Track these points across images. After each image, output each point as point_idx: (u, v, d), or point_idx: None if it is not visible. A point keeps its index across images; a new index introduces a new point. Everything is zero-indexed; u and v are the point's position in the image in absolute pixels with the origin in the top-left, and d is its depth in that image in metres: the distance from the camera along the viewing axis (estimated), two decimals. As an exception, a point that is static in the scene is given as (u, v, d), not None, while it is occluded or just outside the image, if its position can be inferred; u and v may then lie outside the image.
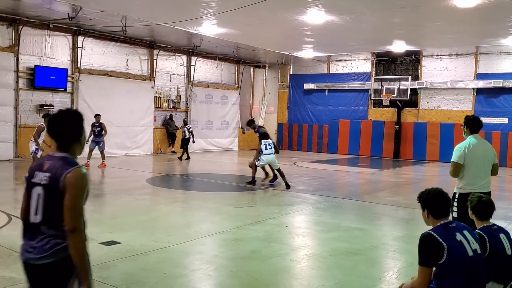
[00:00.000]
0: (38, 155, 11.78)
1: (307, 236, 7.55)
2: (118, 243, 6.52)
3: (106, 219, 8.23)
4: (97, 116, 15.78)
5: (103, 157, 15.58)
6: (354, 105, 24.44)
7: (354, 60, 24.27)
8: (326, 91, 25.13)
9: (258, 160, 12.30)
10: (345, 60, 24.52)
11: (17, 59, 16.42)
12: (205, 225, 8.17)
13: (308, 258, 6.29)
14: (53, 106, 17.52)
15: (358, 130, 23.68)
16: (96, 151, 15.50)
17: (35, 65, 16.82)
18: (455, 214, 5.26)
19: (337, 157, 22.59)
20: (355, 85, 24.19)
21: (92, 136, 15.41)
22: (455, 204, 5.31)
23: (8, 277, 5.11)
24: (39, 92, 17.09)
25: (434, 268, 3.42)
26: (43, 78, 16.98)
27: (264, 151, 12.22)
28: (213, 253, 6.41)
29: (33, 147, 12.04)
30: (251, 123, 14.36)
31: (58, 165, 2.74)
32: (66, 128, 2.83)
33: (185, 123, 20.07)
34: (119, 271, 5.42)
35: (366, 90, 23.89)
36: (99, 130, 15.42)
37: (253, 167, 12.41)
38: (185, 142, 19.29)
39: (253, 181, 12.26)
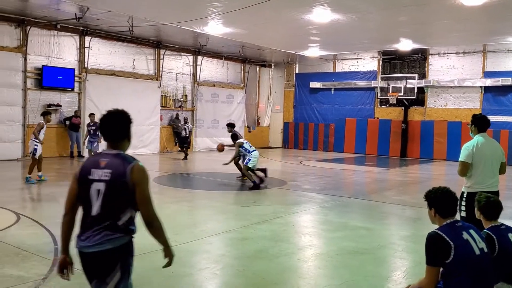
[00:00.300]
0: (37, 155, 11.56)
1: (313, 235, 7.55)
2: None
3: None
4: (91, 115, 15.67)
5: None
6: (360, 104, 24.37)
7: (361, 58, 24.21)
8: (332, 89, 25.08)
9: (248, 161, 12.09)
10: (351, 59, 24.45)
11: (25, 59, 16.53)
12: (211, 224, 8.19)
13: (315, 258, 6.29)
14: (61, 105, 17.63)
15: (365, 128, 23.61)
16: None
17: (42, 65, 16.93)
18: (463, 214, 5.23)
19: (344, 156, 22.55)
20: (362, 83, 24.13)
21: (88, 136, 15.27)
22: (463, 203, 5.29)
23: (17, 275, 5.15)
24: (46, 92, 17.19)
25: (441, 269, 3.41)
26: (51, 78, 17.09)
27: (250, 149, 12.21)
28: (220, 252, 6.42)
29: (32, 146, 11.72)
30: (232, 126, 13.94)
31: (117, 162, 2.94)
32: (117, 127, 3.06)
33: (185, 121, 20.06)
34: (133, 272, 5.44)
35: (373, 89, 23.83)
36: (94, 130, 15.10)
37: (245, 171, 12.16)
38: (183, 141, 19.29)
39: (256, 186, 11.82)
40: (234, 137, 12.87)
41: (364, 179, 15.43)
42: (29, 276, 5.14)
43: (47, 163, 15.39)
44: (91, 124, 15.36)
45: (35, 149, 11.57)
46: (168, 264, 3.19)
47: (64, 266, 3.12)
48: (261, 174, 12.43)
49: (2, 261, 5.57)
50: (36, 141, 11.62)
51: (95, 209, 2.92)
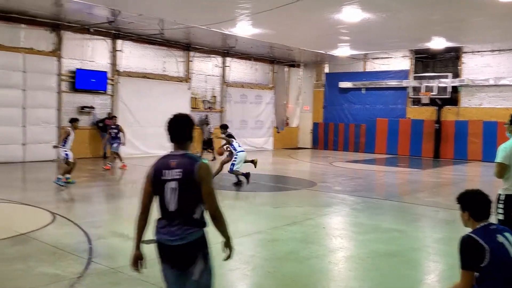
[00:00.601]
0: (70, 159, 11.49)
1: (344, 237, 7.47)
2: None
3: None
4: (113, 118, 15.87)
5: (120, 159, 15.36)
6: (392, 104, 24.01)
7: (392, 57, 23.85)
8: (363, 89, 24.79)
9: (234, 162, 12.20)
10: (382, 58, 24.11)
11: (60, 62, 16.97)
12: (241, 225, 8.20)
13: (345, 260, 6.23)
14: (94, 108, 18.01)
15: (396, 129, 23.25)
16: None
17: (76, 68, 17.34)
18: (500, 217, 5.07)
19: (375, 157, 22.25)
20: (393, 83, 23.75)
21: (110, 138, 15.27)
22: (500, 206, 5.12)
23: (53, 274, 5.28)
24: (80, 94, 17.60)
25: (476, 274, 3.32)
26: (84, 80, 17.49)
27: (238, 148, 12.22)
28: (250, 253, 6.43)
29: (63, 153, 11.60)
30: (225, 127, 13.67)
31: (186, 162, 3.25)
32: (184, 130, 3.39)
33: (206, 123, 19.75)
34: (159, 270, 5.50)
35: (404, 88, 23.43)
36: (115, 132, 15.13)
37: (231, 172, 12.35)
38: (207, 144, 19.03)
39: (245, 176, 12.20)
40: (230, 137, 12.97)
41: (396, 181, 15.20)
42: (65, 274, 5.27)
43: (81, 164, 15.75)
44: (113, 126, 15.37)
45: (67, 155, 11.51)
46: (228, 256, 3.42)
47: (139, 259, 3.43)
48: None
49: (39, 260, 5.73)
50: (64, 149, 11.55)
51: (173, 205, 3.23)
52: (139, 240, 3.43)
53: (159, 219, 3.33)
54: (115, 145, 15.07)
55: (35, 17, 15.98)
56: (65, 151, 11.51)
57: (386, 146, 23.59)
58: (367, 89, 24.64)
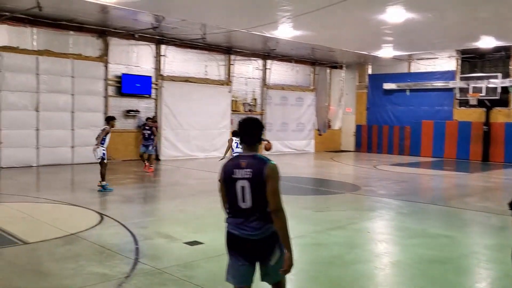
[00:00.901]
0: (106, 160, 11.31)
1: (390, 242, 7.31)
2: (202, 243, 6.70)
3: (189, 219, 8.49)
4: (148, 119, 15.89)
5: (151, 162, 15.21)
6: (438, 105, 23.35)
7: (437, 58, 23.20)
8: (408, 90, 24.24)
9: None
10: (428, 59, 23.50)
11: (106, 68, 17.49)
12: (284, 228, 8.17)
13: (392, 265, 6.09)
14: (139, 111, 18.45)
15: (443, 131, 22.58)
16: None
17: (122, 73, 17.82)
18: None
19: (420, 160, 21.71)
20: (439, 84, 23.10)
21: (142, 140, 15.23)
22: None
23: (102, 273, 5.42)
24: (126, 98, 18.07)
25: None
26: (130, 85, 17.95)
27: (235, 149, 11.68)
28: (293, 257, 6.38)
29: (99, 153, 11.28)
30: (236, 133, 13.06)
31: (255, 162, 3.49)
32: (254, 133, 3.64)
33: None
34: (203, 271, 5.57)
35: (451, 89, 22.74)
36: (149, 134, 15.16)
37: None
38: None
39: None
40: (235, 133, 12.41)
41: (442, 184, 14.76)
42: (113, 274, 5.40)
43: (126, 166, 16.16)
44: (147, 128, 15.36)
45: (104, 154, 11.29)
46: (286, 269, 3.44)
47: None
48: None
49: (88, 259, 5.90)
50: (103, 147, 11.30)
51: (247, 203, 3.47)
52: None
53: (232, 216, 3.57)
54: (150, 147, 15.09)
55: (83, 24, 16.54)
56: (104, 149, 11.28)
57: (432, 149, 22.96)
58: (412, 90, 24.07)
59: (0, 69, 15.00)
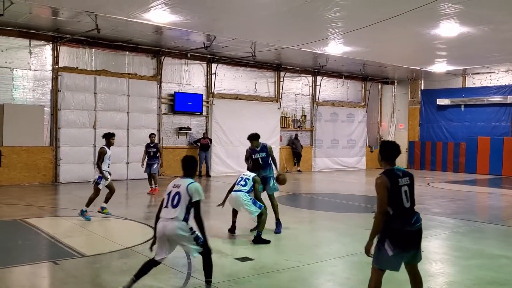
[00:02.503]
0: (100, 186, 9.68)
1: (445, 262, 7.07)
2: (252, 259, 6.73)
3: (240, 235, 8.53)
4: (152, 135, 14.14)
5: (155, 182, 13.74)
6: (494, 121, 22.46)
7: (494, 72, 22.40)
8: (462, 106, 23.49)
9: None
10: (483, 73, 22.74)
11: (160, 86, 18.07)
12: (335, 246, 8.08)
13: (448, 286, 5.89)
14: (190, 128, 18.89)
15: (500, 148, 21.66)
16: None
17: (175, 92, 18.35)
18: None
19: (476, 178, 20.88)
20: (496, 99, 22.26)
21: (146, 158, 13.82)
22: None
23: (156, 286, 5.57)
24: (178, 116, 18.57)
25: None
26: (182, 103, 18.45)
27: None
28: (345, 275, 6.30)
29: (96, 175, 9.84)
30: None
31: (407, 172, 4.60)
32: (398, 152, 4.64)
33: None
34: (253, 287, 5.59)
35: (509, 104, 21.85)
36: (154, 151, 13.75)
37: None
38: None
39: None
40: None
41: (501, 203, 14.11)
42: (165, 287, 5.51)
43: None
44: (151, 145, 13.86)
45: (100, 178, 9.71)
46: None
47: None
48: None
49: (143, 273, 6.05)
50: (106, 170, 9.80)
51: (408, 204, 4.45)
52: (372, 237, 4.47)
53: (398, 214, 4.39)
54: (154, 166, 13.67)
55: (138, 45, 17.22)
56: (100, 174, 9.66)
57: (488, 166, 22.06)
58: (467, 105, 23.31)
59: (60, 88, 15.82)
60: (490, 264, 6.82)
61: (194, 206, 5.02)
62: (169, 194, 5.10)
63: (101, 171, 9.65)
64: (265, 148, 9.10)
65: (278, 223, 8.84)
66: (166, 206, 5.06)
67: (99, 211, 9.95)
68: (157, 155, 13.80)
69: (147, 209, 11.19)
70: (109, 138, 9.94)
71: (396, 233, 4.35)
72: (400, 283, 5.85)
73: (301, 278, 6.04)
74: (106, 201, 9.94)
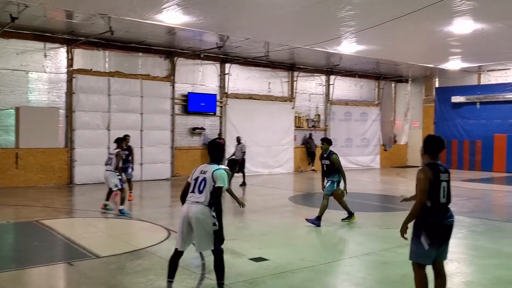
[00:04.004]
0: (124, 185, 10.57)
1: (462, 261, 6.96)
2: (267, 259, 6.70)
3: (254, 235, 8.53)
4: (126, 137, 12.23)
5: (130, 187, 12.54)
6: (511, 118, 22.12)
7: (509, 69, 22.06)
8: (478, 103, 23.18)
9: None
10: (499, 70, 22.40)
11: (173, 87, 18.13)
12: (350, 245, 8.02)
13: (465, 286, 5.80)
14: (204, 129, 18.92)
15: (517, 145, 21.34)
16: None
17: (188, 92, 18.39)
18: None
19: (493, 176, 20.59)
20: (512, 96, 21.94)
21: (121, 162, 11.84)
22: None
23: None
24: (191, 116, 18.61)
25: None
26: (195, 103, 18.48)
27: None
28: (361, 275, 6.24)
29: (116, 180, 10.42)
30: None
31: (446, 167, 4.77)
32: (442, 147, 4.85)
33: (238, 141, 16.79)
34: (268, 288, 5.57)
35: (526, 101, 21.52)
36: (126, 155, 12.09)
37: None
38: (233, 165, 15.30)
39: None
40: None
41: (519, 201, 13.89)
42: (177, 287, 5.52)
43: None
44: (124, 147, 11.74)
45: (121, 183, 10.58)
46: None
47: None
48: None
49: (157, 274, 6.07)
50: (118, 173, 10.54)
51: (444, 198, 4.57)
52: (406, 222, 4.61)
53: (435, 207, 4.50)
54: (129, 170, 12.44)
55: (151, 46, 17.30)
56: (119, 176, 10.52)
57: (505, 164, 21.75)
58: (482, 103, 23.01)
59: (74, 90, 15.96)
60: (508, 263, 6.71)
61: (214, 192, 5.03)
62: (196, 179, 5.14)
63: (120, 174, 10.56)
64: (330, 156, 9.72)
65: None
66: (193, 191, 5.10)
67: (102, 208, 10.69)
68: (129, 158, 12.43)
69: (161, 210, 11.22)
70: (121, 142, 10.90)
71: (433, 226, 4.46)
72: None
73: (316, 278, 6.00)
74: (107, 198, 10.74)
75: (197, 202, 5.03)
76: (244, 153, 16.39)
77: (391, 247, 7.52)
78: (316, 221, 9.21)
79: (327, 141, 9.94)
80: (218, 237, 5.11)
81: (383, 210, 12.11)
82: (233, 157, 15.67)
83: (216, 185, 5.02)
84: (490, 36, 13.96)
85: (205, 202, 5.02)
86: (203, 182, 5.07)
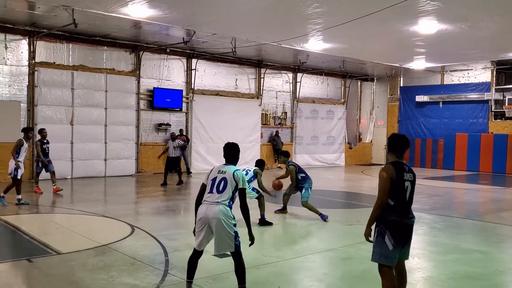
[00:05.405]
0: (19, 175, 10.49)
1: (422, 257, 7.13)
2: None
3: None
4: (43, 130, 13.01)
5: (54, 180, 12.93)
6: (472, 118, 22.83)
7: (471, 69, 22.75)
8: (441, 103, 23.80)
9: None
10: (461, 70, 23.06)
11: (139, 82, 17.85)
12: (312, 241, 8.10)
13: (424, 281, 5.94)
14: (170, 125, 18.71)
15: (478, 144, 22.02)
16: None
17: (154, 87, 18.15)
18: None
19: (454, 174, 21.20)
20: (473, 96, 22.62)
21: (42, 156, 12.60)
22: None
23: (132, 284, 5.48)
24: (157, 112, 18.37)
25: None
26: (161, 99, 18.25)
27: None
28: (323, 271, 6.31)
29: (12, 166, 10.51)
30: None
31: (410, 168, 4.69)
32: (408, 146, 4.81)
33: (172, 138, 15.94)
34: (232, 284, 5.54)
35: (486, 101, 22.23)
36: (48, 147, 12.85)
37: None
38: (173, 163, 15.20)
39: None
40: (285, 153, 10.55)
41: (477, 199, 14.34)
42: (143, 285, 5.46)
43: (157, 179, 16.32)
44: (45, 141, 12.74)
45: (16, 169, 10.47)
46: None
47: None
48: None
49: (120, 270, 5.98)
50: (19, 160, 10.57)
51: (407, 197, 4.52)
52: (371, 222, 4.55)
53: (398, 206, 4.46)
54: (51, 164, 12.89)
55: (116, 39, 16.97)
56: (16, 166, 10.47)
57: (466, 162, 22.42)
58: (445, 102, 23.64)
59: (37, 84, 15.52)
60: (465, 259, 6.91)
61: (240, 194, 5.05)
62: (213, 179, 5.11)
63: (16, 163, 10.42)
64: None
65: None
66: (211, 192, 5.06)
67: (16, 204, 10.50)
68: (47, 152, 12.78)
69: (125, 206, 11.05)
70: (27, 132, 10.93)
71: (396, 225, 4.43)
72: (376, 278, 5.89)
73: (280, 274, 6.03)
74: (7, 190, 10.59)
75: (217, 202, 4.98)
76: (180, 148, 15.41)
77: (353, 243, 7.63)
78: (323, 217, 9.56)
79: (283, 154, 10.31)
80: (250, 237, 5.14)
81: (346, 207, 12.28)
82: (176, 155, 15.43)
83: (240, 187, 5.04)
84: (453, 36, 14.32)
85: (226, 201, 4.99)
86: (222, 182, 5.05)
